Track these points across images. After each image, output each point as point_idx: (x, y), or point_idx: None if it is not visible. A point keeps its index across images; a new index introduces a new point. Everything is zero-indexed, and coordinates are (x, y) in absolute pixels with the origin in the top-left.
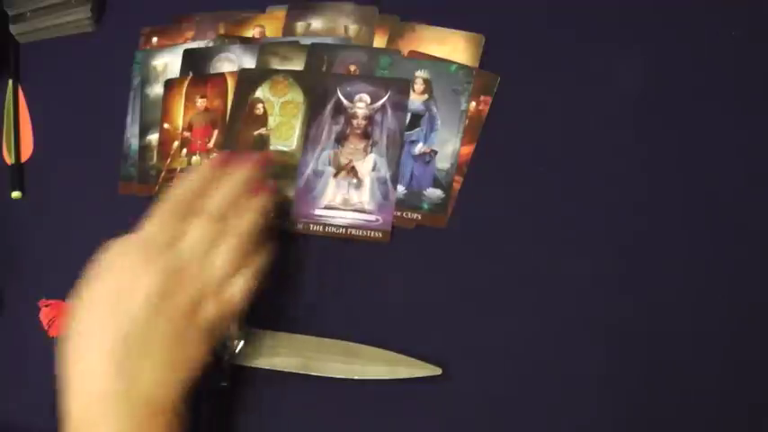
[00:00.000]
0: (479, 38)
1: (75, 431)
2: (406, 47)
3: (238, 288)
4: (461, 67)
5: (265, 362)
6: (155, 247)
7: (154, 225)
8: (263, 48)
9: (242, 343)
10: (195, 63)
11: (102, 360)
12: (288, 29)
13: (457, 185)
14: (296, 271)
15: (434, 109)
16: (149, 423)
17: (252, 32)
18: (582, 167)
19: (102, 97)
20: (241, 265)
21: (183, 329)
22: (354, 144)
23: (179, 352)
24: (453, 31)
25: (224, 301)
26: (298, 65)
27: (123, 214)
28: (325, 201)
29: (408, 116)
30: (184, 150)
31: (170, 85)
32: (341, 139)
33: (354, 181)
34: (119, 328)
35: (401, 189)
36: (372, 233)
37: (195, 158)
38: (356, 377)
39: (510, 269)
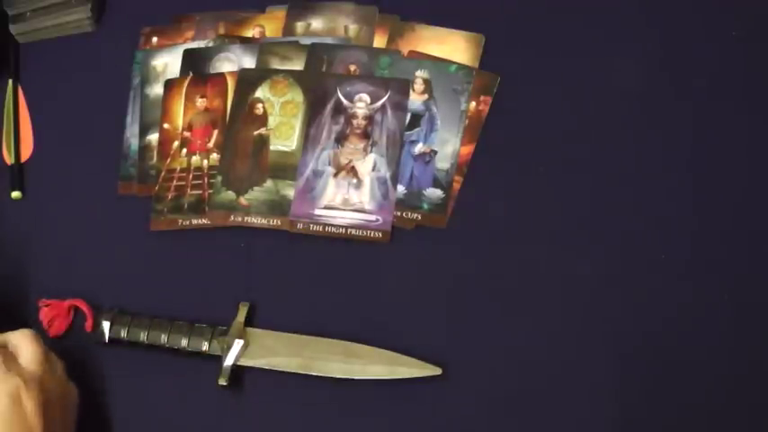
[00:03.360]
0: (479, 38)
1: None
2: (406, 47)
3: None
4: (461, 67)
5: (265, 362)
6: None
7: None
8: (263, 48)
9: (242, 343)
10: (195, 63)
11: None
12: (288, 29)
13: (457, 185)
14: (296, 271)
15: (434, 109)
16: None
17: (252, 32)
18: (582, 167)
19: (102, 97)
20: None
21: None
22: (354, 144)
23: None
24: (453, 31)
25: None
26: (298, 65)
27: (123, 214)
28: (325, 201)
29: (408, 116)
30: (184, 150)
31: (170, 85)
32: (341, 139)
33: (354, 181)
34: None
35: (401, 189)
36: (372, 233)
37: (195, 158)
38: (356, 377)
39: (510, 269)
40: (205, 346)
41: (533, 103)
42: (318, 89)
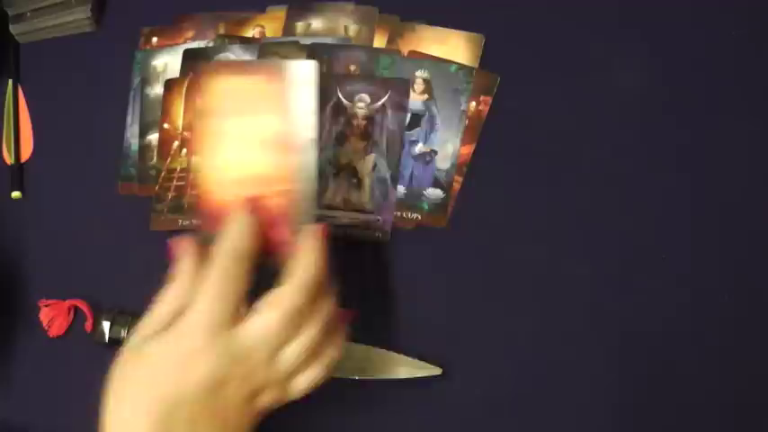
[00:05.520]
0: (479, 38)
1: None
2: (406, 47)
3: (305, 381)
4: (461, 67)
5: None
6: (217, 335)
7: (216, 300)
8: (263, 48)
9: None
10: (195, 63)
11: (142, 426)
12: (288, 29)
13: (457, 185)
14: None
15: (434, 109)
16: None
17: (252, 32)
18: (582, 167)
19: (102, 97)
20: (313, 357)
21: (232, 415)
22: (354, 144)
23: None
24: (453, 31)
25: (286, 392)
26: None
27: (123, 214)
28: (325, 201)
29: (408, 116)
30: (184, 150)
31: (170, 85)
32: (341, 139)
33: (354, 181)
34: (166, 401)
35: (401, 189)
36: (372, 233)
37: (195, 158)
38: (356, 377)
39: (510, 269)
40: None
41: (533, 103)
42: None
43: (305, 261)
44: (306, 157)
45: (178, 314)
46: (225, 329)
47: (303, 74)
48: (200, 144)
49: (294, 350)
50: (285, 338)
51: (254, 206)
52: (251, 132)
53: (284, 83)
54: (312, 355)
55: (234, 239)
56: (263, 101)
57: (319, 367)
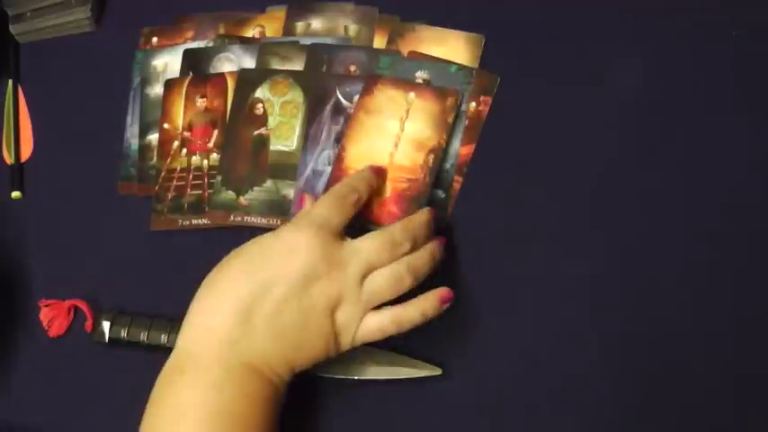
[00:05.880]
0: (479, 38)
1: (177, 357)
2: (406, 47)
3: (377, 321)
4: (461, 67)
5: None
6: (323, 231)
7: (328, 209)
8: (263, 48)
9: None
10: (195, 63)
11: (229, 309)
12: (288, 29)
13: (457, 185)
14: None
15: None
16: (242, 380)
17: (252, 32)
18: (582, 168)
19: (102, 97)
20: (393, 300)
21: (313, 320)
22: None
23: (299, 338)
24: (453, 31)
25: (359, 319)
26: (298, 65)
27: (123, 214)
28: None
29: None
30: (184, 150)
31: (170, 85)
32: (341, 139)
33: None
34: (256, 291)
35: None
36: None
37: (195, 158)
38: (356, 377)
39: (510, 269)
40: None
41: (533, 103)
42: (318, 89)
43: (415, 214)
44: (433, 158)
45: None
46: (331, 234)
47: (449, 99)
48: (356, 133)
49: (381, 275)
50: (379, 260)
51: (379, 173)
52: (397, 132)
53: (431, 103)
54: (394, 294)
55: (354, 178)
56: (413, 111)
57: (392, 314)
